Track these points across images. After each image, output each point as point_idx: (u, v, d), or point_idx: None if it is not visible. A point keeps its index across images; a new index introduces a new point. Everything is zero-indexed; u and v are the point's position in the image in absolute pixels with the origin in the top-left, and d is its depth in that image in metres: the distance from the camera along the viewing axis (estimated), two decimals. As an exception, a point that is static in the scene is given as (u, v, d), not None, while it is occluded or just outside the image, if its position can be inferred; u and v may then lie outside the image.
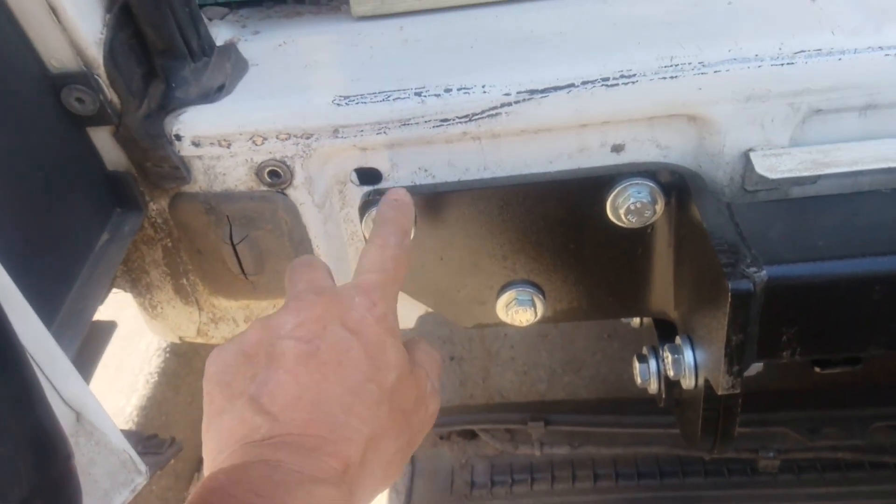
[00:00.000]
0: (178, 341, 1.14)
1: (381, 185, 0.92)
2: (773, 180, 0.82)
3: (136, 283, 1.04)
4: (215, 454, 0.60)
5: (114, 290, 1.08)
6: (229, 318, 1.07)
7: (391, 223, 0.78)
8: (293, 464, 0.56)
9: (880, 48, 0.79)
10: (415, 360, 0.71)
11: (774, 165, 0.82)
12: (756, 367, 0.94)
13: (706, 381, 0.85)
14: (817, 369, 0.89)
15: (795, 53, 0.80)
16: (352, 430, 0.61)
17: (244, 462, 0.56)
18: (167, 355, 2.01)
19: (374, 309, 0.68)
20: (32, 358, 0.46)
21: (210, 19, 1.01)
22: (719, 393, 0.79)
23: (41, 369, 0.48)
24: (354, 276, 0.73)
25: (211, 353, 0.68)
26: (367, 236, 0.91)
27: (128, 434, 0.84)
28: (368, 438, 0.61)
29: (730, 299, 0.71)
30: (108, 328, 1.00)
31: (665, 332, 1.00)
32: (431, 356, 0.75)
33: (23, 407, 0.38)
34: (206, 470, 0.61)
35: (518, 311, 0.98)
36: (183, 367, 2.05)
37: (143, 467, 0.57)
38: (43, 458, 0.39)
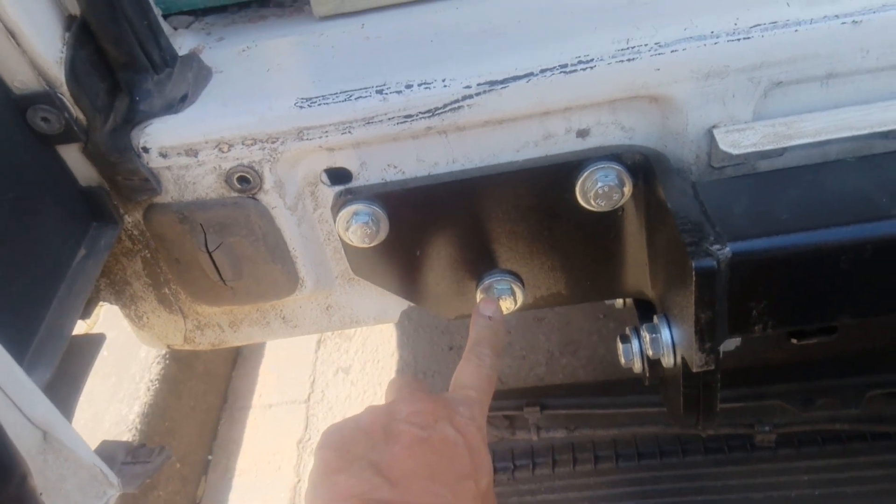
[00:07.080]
0: (166, 350, 1.15)
1: (352, 185, 0.92)
2: (737, 156, 0.83)
3: (120, 294, 1.05)
4: None
5: (101, 302, 1.09)
6: (214, 325, 1.08)
7: (486, 343, 0.88)
8: None
9: (836, 17, 0.79)
10: None
11: (738, 141, 0.82)
12: (734, 342, 0.95)
13: (684, 358, 0.85)
14: (794, 341, 0.89)
15: (751, 27, 0.79)
16: None
17: None
18: (167, 361, 2.01)
19: (474, 420, 0.77)
20: (-6, 381, 0.47)
21: (175, 28, 1.01)
22: (694, 370, 0.80)
23: (4, 392, 0.49)
24: (453, 387, 0.83)
25: (327, 428, 0.78)
26: (342, 237, 0.92)
27: (116, 445, 0.85)
28: None
29: (694, 277, 0.71)
30: (96, 341, 1.01)
31: (645, 311, 1.01)
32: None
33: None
34: None
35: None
36: (183, 371, 2.06)
37: (114, 480, 0.58)
38: (-6, 481, 0.40)
